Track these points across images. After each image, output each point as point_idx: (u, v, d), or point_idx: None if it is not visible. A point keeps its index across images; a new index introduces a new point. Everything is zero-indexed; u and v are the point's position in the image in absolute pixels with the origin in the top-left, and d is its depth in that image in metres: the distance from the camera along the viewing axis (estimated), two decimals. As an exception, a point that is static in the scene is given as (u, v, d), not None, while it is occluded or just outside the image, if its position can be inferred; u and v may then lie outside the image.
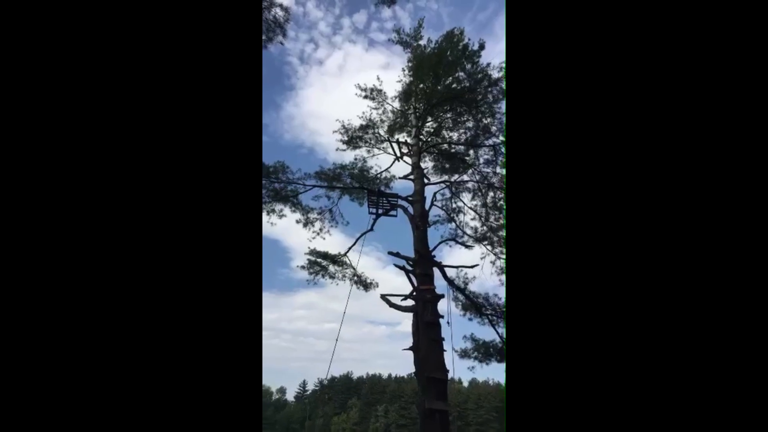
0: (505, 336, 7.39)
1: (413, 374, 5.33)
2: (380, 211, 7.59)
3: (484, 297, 7.80)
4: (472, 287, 7.98)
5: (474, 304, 7.53)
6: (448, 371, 5.25)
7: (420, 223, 6.73)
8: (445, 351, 5.43)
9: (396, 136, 8.67)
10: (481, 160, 8.41)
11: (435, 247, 6.87)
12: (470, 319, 8.97)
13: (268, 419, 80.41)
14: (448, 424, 4.86)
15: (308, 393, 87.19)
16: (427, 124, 8.62)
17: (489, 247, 8.01)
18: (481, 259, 8.07)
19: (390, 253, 6.46)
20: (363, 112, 8.79)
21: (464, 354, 9.71)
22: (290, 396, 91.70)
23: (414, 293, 5.96)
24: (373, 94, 8.78)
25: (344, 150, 8.78)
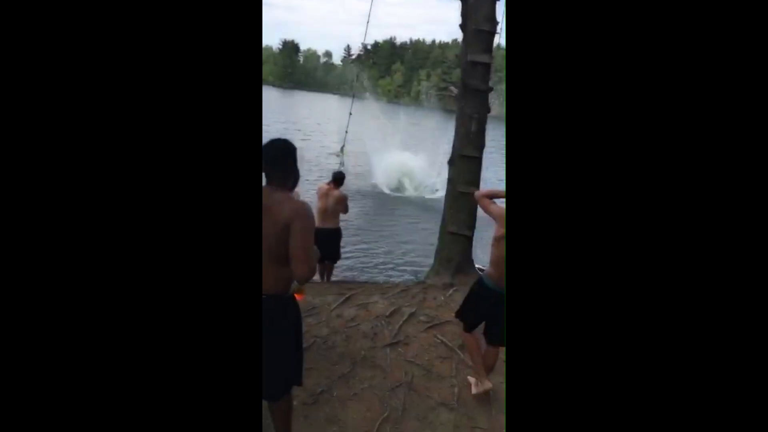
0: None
1: (458, 40, 4.94)
2: None
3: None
4: None
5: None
6: (498, 23, 4.78)
7: None
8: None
9: None
10: None
11: None
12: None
13: (319, 79, 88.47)
14: (489, 79, 4.94)
15: (353, 57, 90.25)
16: None
17: None
18: None
19: None
20: None
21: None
22: (336, 60, 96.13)
23: None
24: None
25: None
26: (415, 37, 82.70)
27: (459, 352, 3.01)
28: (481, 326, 2.55)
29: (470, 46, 4.76)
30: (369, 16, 4.41)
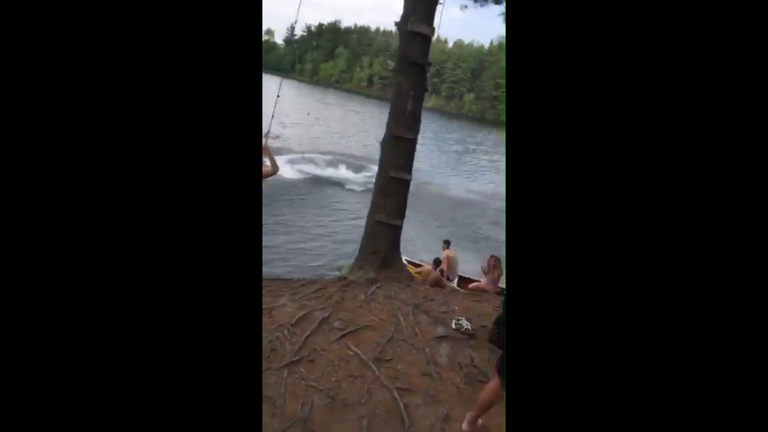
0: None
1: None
2: None
3: None
4: None
5: None
6: (433, 29, 4.29)
7: None
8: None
9: None
10: None
11: None
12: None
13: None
14: (428, 53, 4.44)
15: (296, 37, 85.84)
16: None
17: None
18: None
19: None
20: None
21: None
22: (279, 39, 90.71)
23: None
24: None
25: None
26: (360, 23, 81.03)
27: (374, 367, 2.47)
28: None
29: (412, 15, 4.22)
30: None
